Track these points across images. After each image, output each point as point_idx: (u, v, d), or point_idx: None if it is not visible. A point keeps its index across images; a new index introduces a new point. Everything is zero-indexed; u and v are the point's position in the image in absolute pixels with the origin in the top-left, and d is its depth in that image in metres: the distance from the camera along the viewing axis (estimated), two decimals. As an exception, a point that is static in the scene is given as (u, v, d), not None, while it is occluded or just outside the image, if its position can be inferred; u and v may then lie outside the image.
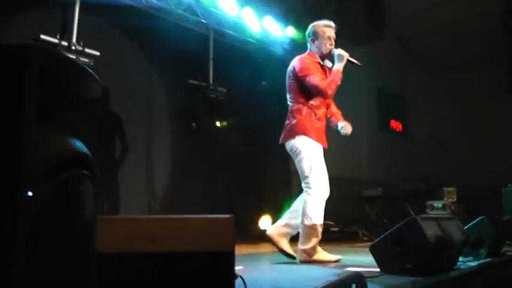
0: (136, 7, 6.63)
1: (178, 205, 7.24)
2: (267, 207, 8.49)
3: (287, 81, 4.48)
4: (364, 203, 9.89)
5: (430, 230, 3.28)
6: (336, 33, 4.52)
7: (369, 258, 3.53)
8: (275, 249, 4.62)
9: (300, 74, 4.31)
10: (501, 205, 7.69)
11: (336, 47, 4.51)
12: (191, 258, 2.01)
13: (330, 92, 4.22)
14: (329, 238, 8.12)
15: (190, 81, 7.54)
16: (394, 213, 8.69)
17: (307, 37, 4.54)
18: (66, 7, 5.85)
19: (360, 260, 4.47)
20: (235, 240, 2.11)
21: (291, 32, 8.95)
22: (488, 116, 12.33)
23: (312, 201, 4.30)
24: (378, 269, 3.37)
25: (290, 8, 9.34)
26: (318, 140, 4.35)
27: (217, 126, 7.67)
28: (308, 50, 4.55)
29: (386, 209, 9.77)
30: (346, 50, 4.45)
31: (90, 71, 1.62)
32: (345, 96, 10.76)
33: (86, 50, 5.73)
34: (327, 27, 4.43)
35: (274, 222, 8.49)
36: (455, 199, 8.46)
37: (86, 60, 5.63)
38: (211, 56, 7.76)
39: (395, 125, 12.78)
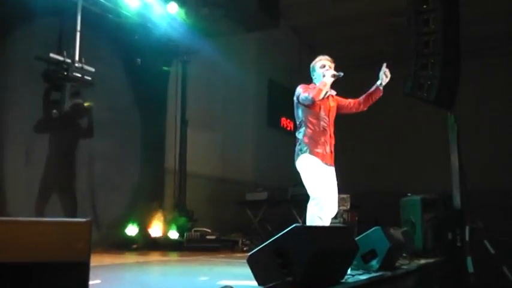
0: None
1: (33, 204, 6.98)
2: (135, 212, 8.40)
3: (294, 109, 5.32)
4: (246, 208, 10.06)
5: (315, 240, 3.41)
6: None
7: (248, 271, 3.61)
8: (141, 260, 4.58)
9: (297, 95, 5.21)
10: (398, 216, 8.11)
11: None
12: (37, 270, 1.96)
13: (316, 98, 5.04)
14: (204, 247, 8.22)
15: (52, 55, 7.25)
16: (280, 221, 8.91)
17: (310, 72, 5.43)
18: None
19: (238, 272, 4.56)
20: (90, 249, 2.09)
21: (173, 8, 8.91)
22: (390, 119, 13.00)
23: (311, 210, 4.85)
24: (256, 283, 3.45)
25: (173, -20, 9.30)
26: (318, 156, 5.05)
27: (80, 113, 7.42)
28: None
29: (272, 216, 10.01)
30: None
31: None
32: (231, 88, 11.02)
33: None
34: (322, 59, 5.34)
35: (142, 229, 8.50)
36: (348, 207, 8.76)
37: None
38: (78, 28, 7.48)
39: (286, 123, 13.10)
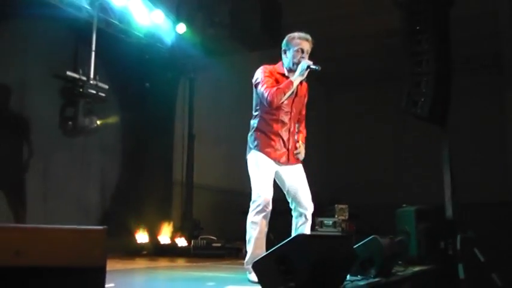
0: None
1: (49, 214, 6.99)
2: (144, 220, 8.42)
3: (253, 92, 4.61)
4: (250, 218, 10.01)
5: (317, 248, 3.42)
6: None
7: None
8: (151, 265, 4.58)
9: (254, 84, 4.49)
10: (394, 225, 8.10)
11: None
12: (58, 274, 1.97)
13: (272, 100, 4.31)
14: (210, 254, 8.22)
15: (69, 73, 7.30)
16: (282, 229, 8.88)
17: (282, 47, 4.64)
18: None
19: (243, 278, 4.56)
20: (106, 255, 2.10)
21: (182, 28, 8.99)
22: (387, 136, 13.06)
23: (249, 216, 4.52)
24: (260, 288, 3.46)
25: (181, 3, 9.38)
26: (270, 155, 4.45)
27: (94, 127, 7.45)
28: (281, 60, 4.65)
29: (274, 225, 9.98)
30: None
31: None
32: (236, 103, 11.03)
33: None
34: (301, 40, 4.53)
35: (152, 236, 8.49)
36: (347, 217, 8.74)
37: None
38: (93, 47, 7.54)
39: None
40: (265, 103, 4.37)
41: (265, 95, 4.31)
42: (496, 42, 11.22)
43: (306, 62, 4.37)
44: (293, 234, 4.62)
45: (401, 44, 8.15)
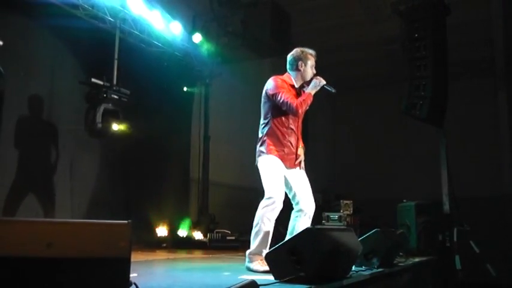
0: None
1: (75, 209, 7.03)
2: (164, 215, 8.43)
3: (261, 103, 4.53)
4: (261, 212, 9.99)
5: (325, 240, 3.41)
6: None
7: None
8: (170, 257, 4.57)
9: (271, 93, 4.38)
10: (395, 219, 8.08)
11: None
12: (86, 264, 1.97)
13: (300, 111, 4.28)
14: (225, 246, 8.22)
15: (94, 79, 7.31)
16: (291, 224, 8.88)
17: (293, 60, 4.56)
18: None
19: (255, 268, 4.53)
20: (131, 247, 2.10)
21: (198, 38, 9.02)
22: (388, 136, 13.04)
23: (262, 209, 4.39)
24: (273, 277, 3.45)
25: (197, 14, 9.40)
26: (282, 159, 4.39)
27: (118, 129, 7.46)
28: (287, 72, 4.60)
29: (283, 219, 9.97)
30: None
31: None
32: (248, 106, 11.01)
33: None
34: (314, 56, 4.56)
35: (171, 230, 8.50)
36: (351, 212, 8.73)
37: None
38: (116, 56, 7.54)
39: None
40: (291, 112, 4.32)
41: (291, 105, 4.25)
42: (490, 48, 11.18)
43: (321, 81, 4.39)
44: (291, 231, 4.54)
45: (401, 50, 8.12)
